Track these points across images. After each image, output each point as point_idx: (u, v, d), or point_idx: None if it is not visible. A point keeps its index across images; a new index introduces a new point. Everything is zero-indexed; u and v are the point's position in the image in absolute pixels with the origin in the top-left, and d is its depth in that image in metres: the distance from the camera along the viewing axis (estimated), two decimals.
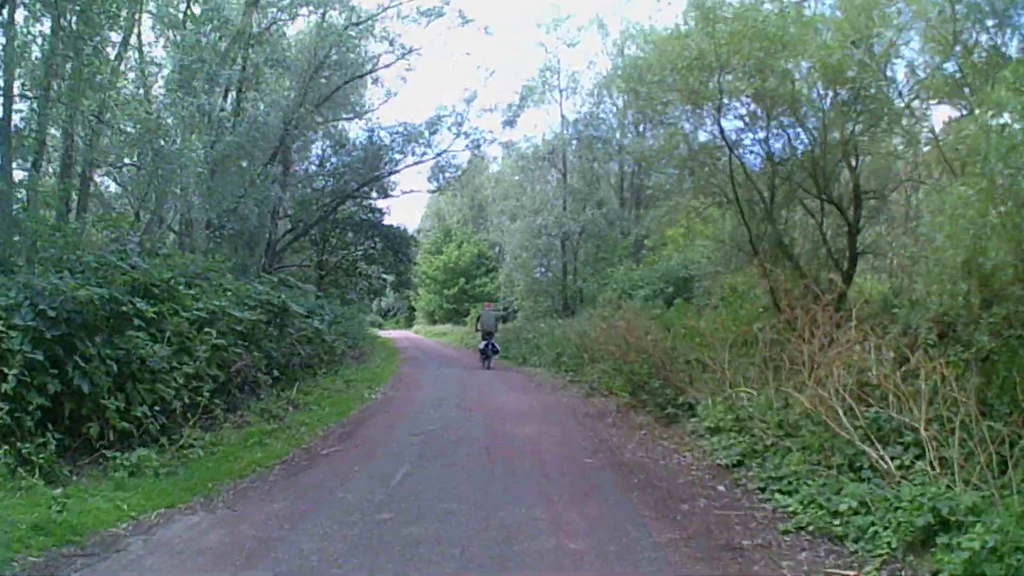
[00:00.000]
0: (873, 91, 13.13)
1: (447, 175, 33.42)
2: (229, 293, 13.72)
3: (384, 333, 57.14)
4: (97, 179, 24.23)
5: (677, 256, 24.95)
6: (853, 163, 14.52)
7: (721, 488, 7.82)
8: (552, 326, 24.96)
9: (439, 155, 32.17)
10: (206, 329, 11.04)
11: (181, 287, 11.86)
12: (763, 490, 7.61)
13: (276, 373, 13.35)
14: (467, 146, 32.34)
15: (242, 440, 9.75)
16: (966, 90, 12.61)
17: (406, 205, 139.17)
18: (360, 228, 37.55)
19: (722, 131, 13.44)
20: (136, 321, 9.73)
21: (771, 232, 14.38)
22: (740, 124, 14.79)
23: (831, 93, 13.34)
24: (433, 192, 33.76)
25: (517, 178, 43.42)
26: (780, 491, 7.45)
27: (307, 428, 10.97)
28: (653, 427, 11.25)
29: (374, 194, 36.89)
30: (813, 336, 9.91)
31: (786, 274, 13.44)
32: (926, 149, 15.39)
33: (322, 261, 37.53)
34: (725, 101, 13.88)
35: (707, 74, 12.70)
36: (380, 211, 38.07)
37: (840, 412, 7.89)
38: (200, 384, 10.35)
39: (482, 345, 22.98)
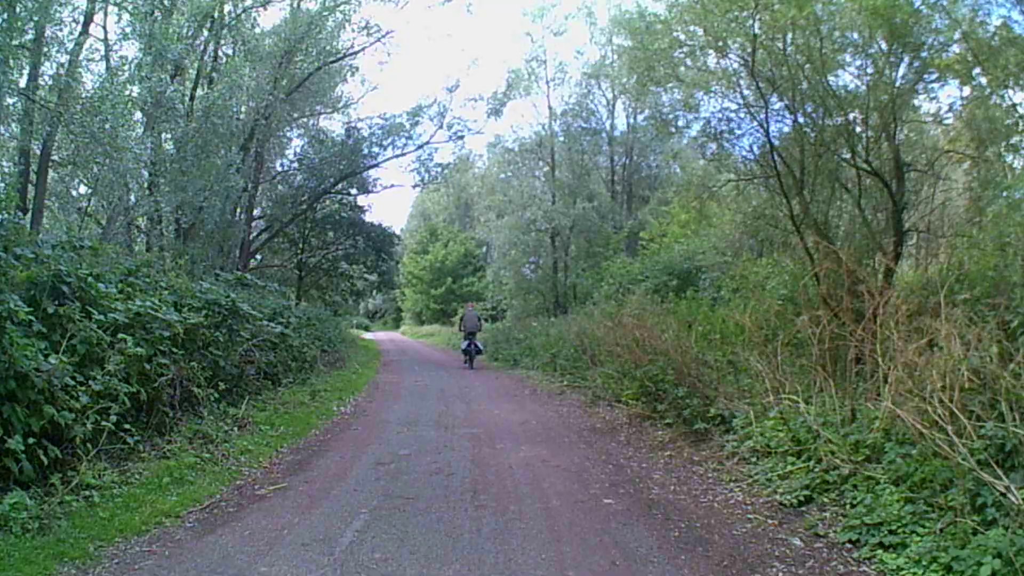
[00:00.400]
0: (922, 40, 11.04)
1: (430, 170, 31.09)
2: (166, 292, 11.41)
3: (369, 335, 55.03)
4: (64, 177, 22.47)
5: (679, 246, 22.78)
6: (894, 129, 12.37)
7: (797, 542, 5.58)
8: (545, 325, 22.70)
9: (421, 147, 29.91)
10: (121, 335, 8.74)
11: (104, 285, 9.56)
12: (855, 543, 5.41)
13: (223, 386, 11.01)
14: (450, 137, 30.10)
15: (158, 476, 7.43)
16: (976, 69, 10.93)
17: (391, 205, 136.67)
18: (340, 226, 35.26)
19: (757, 83, 11.10)
20: (35, 326, 7.50)
21: (803, 209, 12.13)
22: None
23: (875, 45, 11.15)
24: (416, 187, 31.60)
25: (504, 176, 40.98)
26: (882, 545, 5.26)
27: (248, 457, 8.66)
28: (679, 447, 9.00)
29: (353, 190, 34.71)
30: (881, 328, 7.72)
31: (827, 257, 11.21)
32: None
33: (301, 262, 35.21)
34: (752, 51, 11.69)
35: (737, 12, 10.40)
36: (361, 208, 35.81)
37: (948, 428, 5.70)
38: (111, 404, 8.05)
39: (465, 344, 22.31)
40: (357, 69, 30.03)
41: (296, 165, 30.83)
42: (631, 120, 42.36)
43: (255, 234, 29.87)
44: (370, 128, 29.81)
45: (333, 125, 31.96)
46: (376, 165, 30.14)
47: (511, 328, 27.36)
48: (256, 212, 32.35)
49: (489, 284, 44.32)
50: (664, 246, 24.55)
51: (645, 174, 45.07)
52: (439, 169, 31.33)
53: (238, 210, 28.03)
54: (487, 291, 46.37)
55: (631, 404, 11.61)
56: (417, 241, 62.10)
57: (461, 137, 30.16)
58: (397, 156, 29.70)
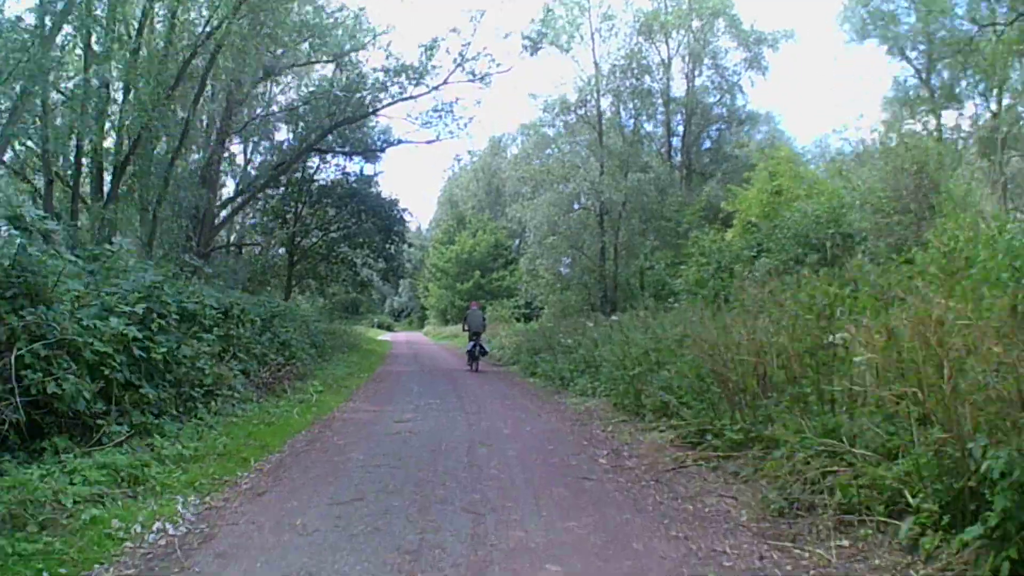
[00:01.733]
0: None
1: (446, 120, 23.11)
2: None
3: (388, 336, 48.29)
4: None
5: (813, 207, 14.85)
6: None
7: None
8: (615, 327, 14.52)
9: (435, 89, 22.00)
10: None
11: None
12: None
13: None
14: (473, 78, 22.13)
15: None
16: None
17: (416, 193, 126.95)
18: (341, 200, 27.51)
19: None
20: None
21: None
22: None
23: None
24: (430, 143, 23.45)
25: (538, 162, 32.84)
26: None
27: None
28: None
29: (356, 160, 27.21)
30: None
31: None
32: None
33: (292, 242, 27.50)
34: None
35: None
36: (368, 178, 28.00)
37: None
38: None
39: (470, 346, 20.11)
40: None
41: (270, 110, 23.07)
42: (691, 83, 34.54)
43: (223, 202, 22.28)
44: (373, 70, 22.06)
45: None
46: (376, 111, 22.27)
47: (553, 330, 19.28)
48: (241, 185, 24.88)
49: (523, 276, 36.22)
50: (780, 206, 16.61)
51: (707, 147, 36.93)
52: (458, 121, 23.29)
53: (204, 177, 20.57)
54: (520, 284, 38.56)
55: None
56: (443, 230, 54.46)
57: (486, 79, 22.20)
58: (404, 99, 21.79)
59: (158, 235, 21.43)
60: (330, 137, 23.81)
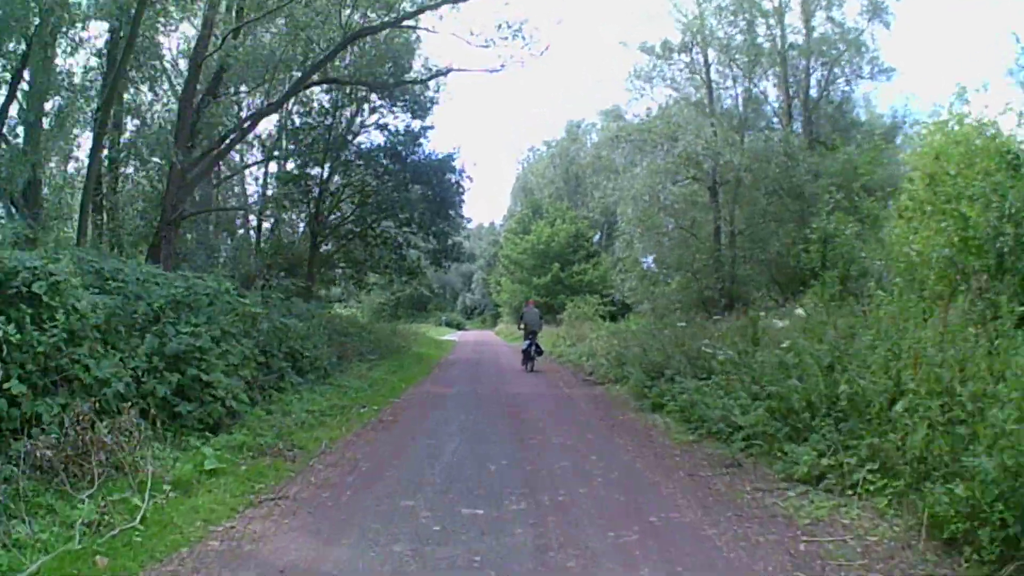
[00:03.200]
0: None
1: (512, 45, 15.80)
2: None
3: (456, 335, 43.98)
4: None
5: None
6: None
7: None
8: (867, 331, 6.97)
9: None
10: None
11: None
12: None
13: None
14: None
15: None
16: None
17: (487, 186, 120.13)
18: (376, 162, 20.65)
19: None
20: None
21: None
22: None
23: None
24: (493, 72, 16.20)
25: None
26: None
27: None
28: None
29: (396, 113, 20.42)
30: None
31: None
32: None
33: (318, 219, 20.70)
34: None
35: None
36: (415, 133, 20.88)
37: None
38: None
39: (525, 345, 18.09)
40: None
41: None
42: (809, 38, 26.61)
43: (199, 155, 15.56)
44: None
45: None
46: (410, 16, 15.09)
47: (687, 333, 11.70)
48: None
49: (620, 262, 28.33)
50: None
51: (826, 112, 28.60)
52: (529, 45, 15.89)
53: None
54: (609, 277, 31.39)
55: None
56: (517, 220, 47.54)
57: None
58: (451, 1, 14.51)
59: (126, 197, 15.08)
60: (366, 83, 17.04)
